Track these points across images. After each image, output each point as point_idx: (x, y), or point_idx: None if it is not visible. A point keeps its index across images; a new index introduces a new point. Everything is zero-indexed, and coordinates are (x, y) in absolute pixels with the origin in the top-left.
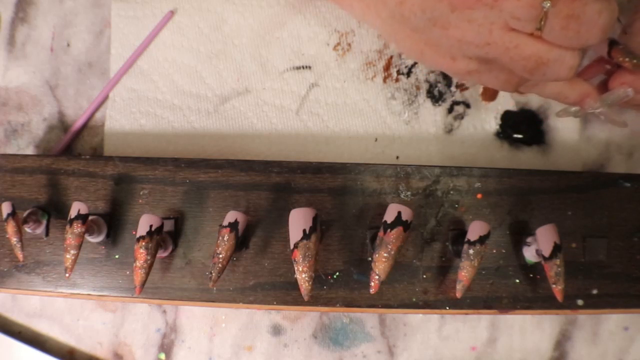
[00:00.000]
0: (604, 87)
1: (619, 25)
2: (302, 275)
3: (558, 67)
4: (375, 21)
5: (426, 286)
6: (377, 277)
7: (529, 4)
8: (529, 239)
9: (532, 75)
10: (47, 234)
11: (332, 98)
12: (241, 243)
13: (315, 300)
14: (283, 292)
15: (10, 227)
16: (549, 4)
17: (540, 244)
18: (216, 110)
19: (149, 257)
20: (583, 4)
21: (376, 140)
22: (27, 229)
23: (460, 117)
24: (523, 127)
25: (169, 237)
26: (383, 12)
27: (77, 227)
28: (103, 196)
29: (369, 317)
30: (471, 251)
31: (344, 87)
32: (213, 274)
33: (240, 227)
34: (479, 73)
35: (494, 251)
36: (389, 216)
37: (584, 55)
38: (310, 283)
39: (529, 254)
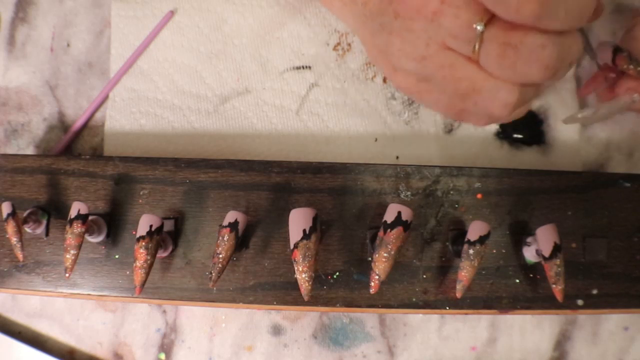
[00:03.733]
0: (610, 93)
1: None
2: (302, 275)
3: (491, 100)
4: (349, 20)
5: (426, 286)
6: (377, 277)
7: (464, 23)
8: (529, 239)
9: (464, 102)
10: (47, 234)
11: (332, 98)
12: (241, 243)
13: (315, 300)
14: (283, 292)
15: (10, 227)
16: (482, 27)
17: (540, 244)
18: (216, 110)
19: (149, 257)
20: (523, 33)
21: (376, 140)
22: (27, 229)
23: None
24: (523, 127)
25: (169, 237)
26: (354, 10)
27: (77, 227)
28: (103, 196)
29: (369, 317)
30: (471, 251)
31: (344, 87)
32: (213, 274)
33: (240, 227)
34: (419, 92)
35: (494, 251)
36: (389, 216)
37: (528, 95)
38: (310, 283)
39: (529, 254)
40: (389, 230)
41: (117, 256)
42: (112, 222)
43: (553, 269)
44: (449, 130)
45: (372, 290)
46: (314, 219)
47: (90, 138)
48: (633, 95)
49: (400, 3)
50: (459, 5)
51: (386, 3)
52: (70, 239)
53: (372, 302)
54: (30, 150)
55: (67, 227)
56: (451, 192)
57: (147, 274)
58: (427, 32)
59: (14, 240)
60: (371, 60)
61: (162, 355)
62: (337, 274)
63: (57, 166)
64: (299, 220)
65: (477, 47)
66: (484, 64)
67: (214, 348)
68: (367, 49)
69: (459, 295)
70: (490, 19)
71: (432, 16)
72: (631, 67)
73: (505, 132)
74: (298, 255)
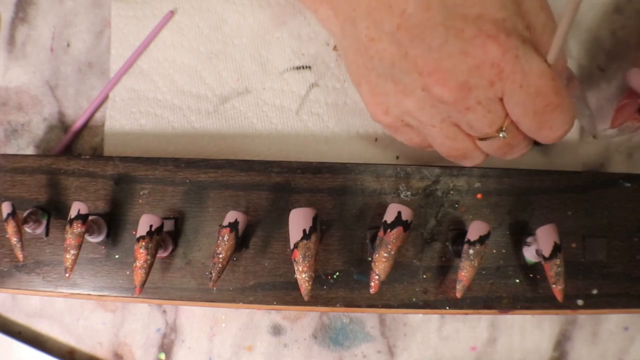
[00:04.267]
0: (636, 117)
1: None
2: (302, 275)
3: (470, 163)
4: (336, 31)
5: (426, 286)
6: (377, 277)
7: (488, 124)
8: (529, 239)
9: (447, 157)
10: (47, 234)
11: (332, 98)
12: (241, 243)
13: (315, 300)
14: (283, 292)
15: (10, 227)
16: (504, 134)
17: (540, 244)
18: (216, 110)
19: (149, 257)
20: (522, 138)
21: (376, 140)
22: (27, 229)
23: None
24: None
25: (169, 237)
26: (349, 31)
27: (77, 227)
28: (103, 196)
29: (369, 317)
30: (471, 251)
31: (344, 87)
32: (213, 274)
33: (240, 227)
34: (397, 132)
35: (494, 251)
36: (389, 216)
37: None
38: (310, 283)
39: (529, 254)
40: (389, 230)
41: (117, 256)
42: (112, 222)
43: (553, 269)
44: None
45: (372, 290)
46: (314, 219)
47: (90, 138)
48: None
49: (435, 85)
50: (490, 110)
51: (414, 70)
52: (70, 239)
53: (372, 302)
54: (30, 150)
55: (67, 227)
56: (451, 192)
57: (147, 274)
58: (449, 113)
59: (14, 240)
60: (348, 74)
61: (162, 355)
62: (337, 274)
63: (57, 166)
64: (299, 220)
65: (488, 139)
66: (483, 146)
67: (214, 348)
68: (346, 63)
69: (459, 295)
70: (507, 126)
71: (464, 110)
72: None
73: None
74: (298, 255)
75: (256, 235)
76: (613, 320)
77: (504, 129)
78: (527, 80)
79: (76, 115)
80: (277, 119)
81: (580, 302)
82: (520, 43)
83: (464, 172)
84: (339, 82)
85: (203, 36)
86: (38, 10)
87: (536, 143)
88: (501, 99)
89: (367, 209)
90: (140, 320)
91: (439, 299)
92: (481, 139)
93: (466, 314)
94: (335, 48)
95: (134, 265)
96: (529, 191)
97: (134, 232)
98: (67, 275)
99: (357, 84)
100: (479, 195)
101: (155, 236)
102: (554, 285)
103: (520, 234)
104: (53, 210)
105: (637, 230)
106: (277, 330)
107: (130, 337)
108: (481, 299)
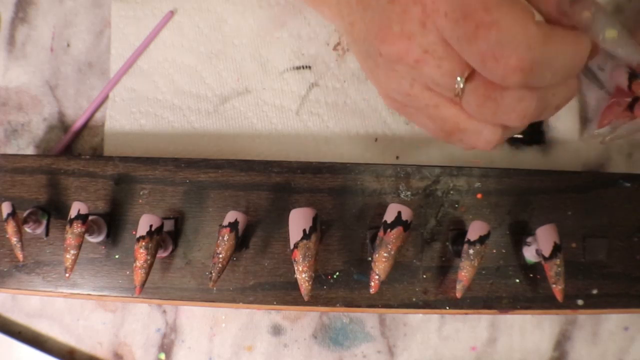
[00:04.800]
0: (626, 115)
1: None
2: (302, 275)
3: (475, 138)
4: (339, 28)
5: (426, 286)
6: (377, 277)
7: (447, 73)
8: (529, 239)
9: (450, 136)
10: (47, 234)
11: (332, 98)
12: (241, 243)
13: (315, 300)
14: (283, 292)
15: (10, 227)
16: (462, 81)
17: (540, 244)
18: (216, 110)
19: (149, 257)
20: (501, 89)
21: (376, 140)
22: (27, 229)
23: None
24: None
25: (169, 237)
26: (339, 23)
27: (77, 227)
28: (103, 196)
29: (369, 317)
30: (471, 251)
31: (344, 87)
32: (213, 274)
33: (240, 227)
34: (407, 113)
35: (494, 251)
36: (389, 216)
37: (510, 130)
38: (310, 283)
39: (529, 254)
40: (389, 230)
41: (117, 256)
42: (112, 222)
43: (553, 269)
44: None
45: (372, 290)
46: (314, 219)
47: (90, 138)
48: None
49: (382, 44)
50: (441, 57)
51: (372, 37)
52: (70, 239)
53: (372, 302)
54: (30, 150)
55: (67, 227)
56: (451, 192)
57: (147, 274)
58: (410, 74)
59: (14, 240)
60: (363, 71)
61: (162, 355)
62: (337, 274)
63: (57, 166)
64: (299, 220)
65: (460, 94)
66: (466, 108)
67: (214, 348)
68: (357, 59)
69: (459, 295)
70: (472, 72)
71: (414, 63)
72: None
73: None
74: (298, 255)
75: (256, 235)
76: (613, 320)
77: (464, 76)
78: (449, 4)
79: (76, 115)
80: (277, 119)
81: (580, 302)
82: None
83: (464, 172)
84: (339, 82)
85: (203, 36)
86: (38, 10)
87: (536, 143)
88: (447, 41)
89: (367, 209)
90: (140, 320)
91: (439, 299)
92: (458, 97)
93: (466, 314)
94: (335, 48)
95: (134, 265)
96: (529, 191)
97: (134, 232)
98: (67, 275)
99: (367, 74)
100: (479, 195)
101: (155, 236)
102: (554, 285)
103: (520, 234)
104: (53, 210)
105: (637, 230)
106: (277, 330)
107: (130, 337)
108: (481, 299)
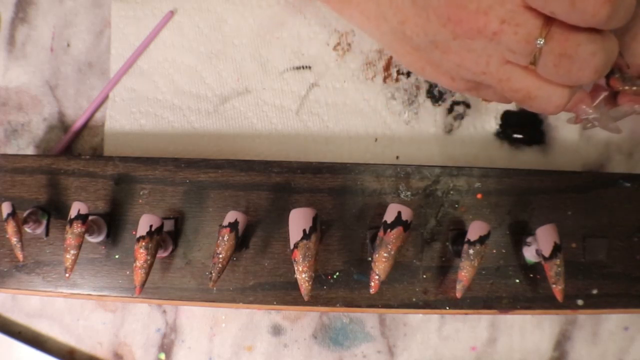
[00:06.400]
0: (612, 102)
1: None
2: (302, 275)
3: (545, 103)
4: (375, 33)
5: (426, 286)
6: (377, 277)
7: (524, 39)
8: (529, 239)
9: (520, 104)
10: (47, 234)
11: (332, 98)
12: (241, 243)
13: (315, 300)
14: (283, 292)
15: (10, 227)
16: (542, 41)
17: (540, 244)
18: (216, 110)
19: (149, 257)
20: (576, 44)
21: (376, 140)
22: (27, 229)
23: (461, 117)
24: (523, 127)
25: (169, 237)
26: (383, 27)
27: (77, 227)
28: (103, 196)
29: (369, 317)
30: (471, 251)
31: (344, 87)
32: (213, 274)
33: (240, 227)
34: (476, 91)
35: (494, 251)
36: (389, 216)
37: (574, 92)
38: (310, 283)
39: (529, 254)
40: (389, 230)
41: (117, 256)
42: (112, 222)
43: (553, 269)
44: (449, 130)
45: (372, 290)
46: (314, 219)
47: (90, 138)
48: (635, 107)
49: (458, 25)
50: (518, 23)
51: (439, 25)
52: (70, 239)
53: (372, 302)
54: (30, 150)
55: (67, 227)
56: (451, 192)
57: (147, 274)
58: (487, 50)
59: (14, 240)
60: (408, 69)
61: (162, 355)
62: (337, 274)
63: (57, 166)
64: (299, 220)
65: (537, 58)
66: (542, 71)
67: (214, 348)
68: (402, 60)
69: (459, 295)
70: (548, 32)
71: (493, 36)
72: (626, 87)
73: (505, 132)
74: (298, 255)
75: (256, 235)
76: (613, 320)
77: (543, 36)
78: None
79: (76, 115)
80: (277, 119)
81: (580, 302)
82: None
83: (464, 172)
84: (339, 82)
85: (203, 36)
86: (38, 10)
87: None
88: (524, 6)
89: (367, 209)
90: (140, 320)
91: (439, 299)
92: (533, 64)
93: (466, 314)
94: (335, 48)
95: (134, 265)
96: (529, 191)
97: (134, 232)
98: (67, 275)
99: (421, 70)
100: (479, 195)
101: (155, 236)
102: (554, 285)
103: (520, 234)
104: (53, 210)
105: (637, 230)
106: (277, 330)
107: (130, 337)
108: (481, 299)
